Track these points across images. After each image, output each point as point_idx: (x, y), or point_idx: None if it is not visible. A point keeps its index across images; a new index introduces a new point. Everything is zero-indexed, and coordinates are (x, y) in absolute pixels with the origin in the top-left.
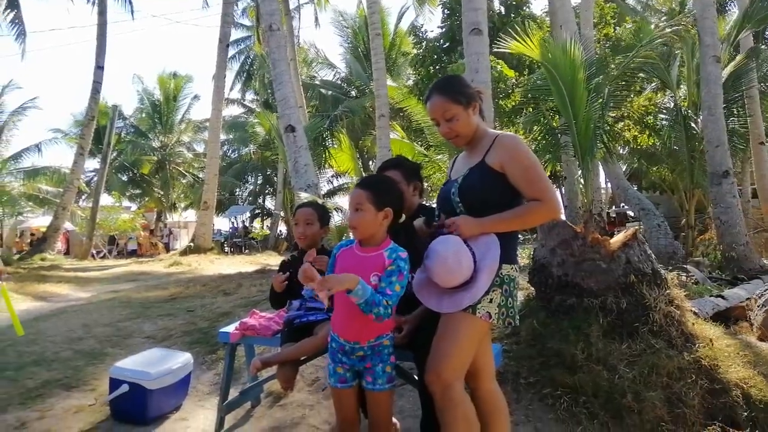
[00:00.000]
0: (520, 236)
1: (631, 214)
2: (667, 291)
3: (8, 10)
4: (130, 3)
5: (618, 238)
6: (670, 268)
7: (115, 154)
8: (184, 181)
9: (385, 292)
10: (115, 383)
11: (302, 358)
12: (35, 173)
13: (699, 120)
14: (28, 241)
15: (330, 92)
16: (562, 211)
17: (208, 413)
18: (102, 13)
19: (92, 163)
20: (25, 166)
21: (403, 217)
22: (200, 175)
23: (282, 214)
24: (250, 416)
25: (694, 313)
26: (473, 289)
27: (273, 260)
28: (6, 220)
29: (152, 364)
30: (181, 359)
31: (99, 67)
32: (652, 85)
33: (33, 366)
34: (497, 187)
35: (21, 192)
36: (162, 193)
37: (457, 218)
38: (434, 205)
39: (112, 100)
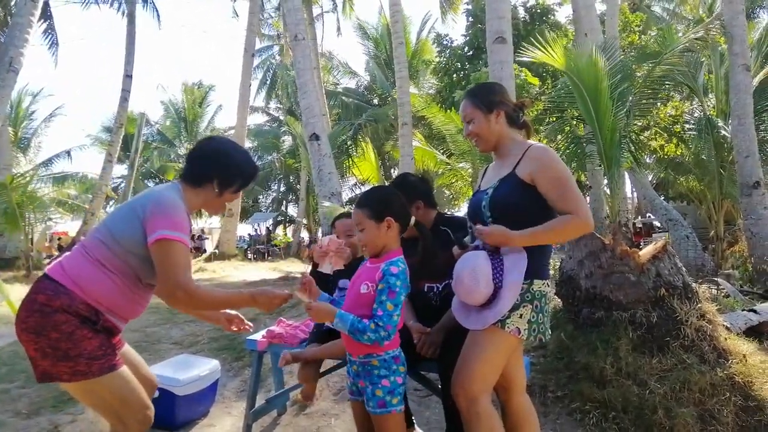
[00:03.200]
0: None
1: (658, 224)
2: (699, 305)
3: (41, 21)
4: (157, 12)
5: (647, 251)
6: (700, 281)
7: (141, 161)
8: None
9: (376, 314)
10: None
11: (323, 371)
12: (64, 179)
13: (728, 129)
14: (56, 245)
15: (352, 100)
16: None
17: (235, 420)
18: (131, 22)
19: (119, 170)
20: (55, 172)
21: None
22: None
23: (304, 221)
24: (276, 424)
25: (726, 328)
26: (497, 306)
27: (295, 267)
28: (37, 225)
29: (181, 370)
30: (209, 366)
31: (128, 76)
32: (680, 94)
33: None
34: (527, 200)
35: (51, 198)
36: None
37: (488, 227)
38: (455, 214)
39: (137, 106)
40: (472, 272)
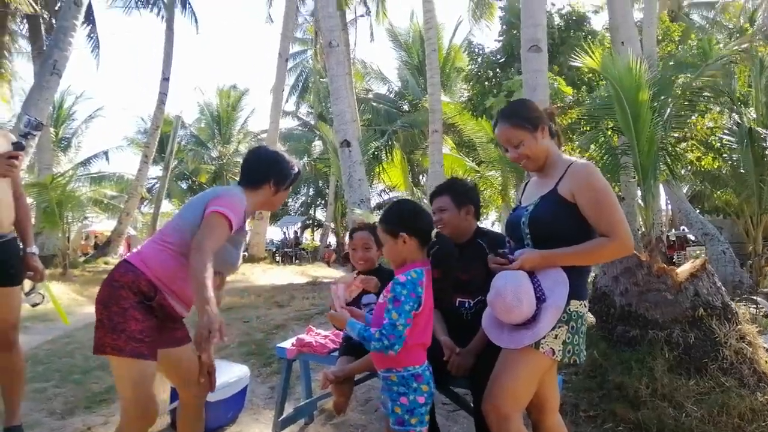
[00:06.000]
0: None
1: (692, 238)
2: (738, 326)
3: (85, 25)
4: (195, 18)
5: (685, 268)
6: (738, 299)
7: (175, 163)
8: None
9: (382, 323)
10: (175, 393)
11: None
12: (101, 179)
13: None
14: (92, 244)
15: (382, 106)
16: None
17: (263, 427)
18: (170, 27)
19: (154, 171)
20: (92, 172)
21: (434, 233)
22: None
23: (332, 225)
24: None
25: (767, 351)
26: (535, 328)
27: (323, 272)
28: (74, 223)
29: None
30: (239, 372)
31: (165, 79)
32: (719, 106)
33: (98, 371)
34: (568, 219)
35: (88, 197)
36: None
37: (521, 254)
38: (491, 229)
39: (172, 108)
40: (515, 290)
